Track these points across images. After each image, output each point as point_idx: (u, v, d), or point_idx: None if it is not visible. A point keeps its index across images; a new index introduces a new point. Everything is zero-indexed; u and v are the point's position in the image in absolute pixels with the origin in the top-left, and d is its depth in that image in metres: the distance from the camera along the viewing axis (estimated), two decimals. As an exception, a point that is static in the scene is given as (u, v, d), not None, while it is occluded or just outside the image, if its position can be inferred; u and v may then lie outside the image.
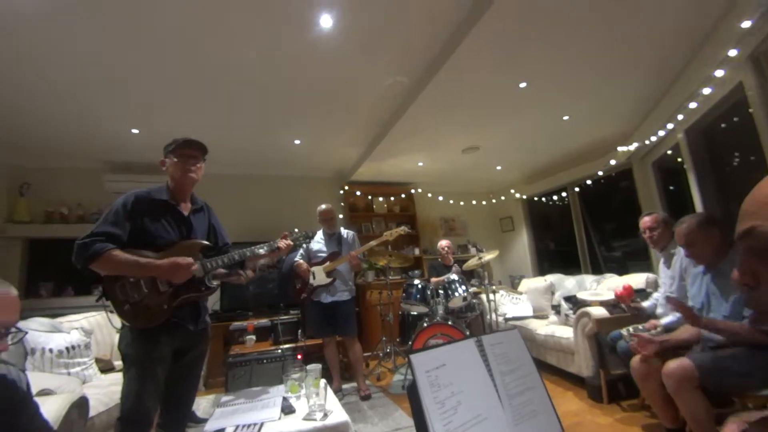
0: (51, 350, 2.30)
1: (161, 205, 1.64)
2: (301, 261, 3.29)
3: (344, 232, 3.43)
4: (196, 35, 2.24)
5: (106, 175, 4.06)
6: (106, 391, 2.24)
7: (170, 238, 1.61)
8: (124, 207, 1.55)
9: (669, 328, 2.17)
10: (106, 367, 2.74)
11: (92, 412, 1.95)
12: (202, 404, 3.13)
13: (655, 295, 2.60)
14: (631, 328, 2.28)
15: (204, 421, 2.67)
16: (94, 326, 2.88)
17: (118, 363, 2.86)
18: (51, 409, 1.52)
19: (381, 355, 4.00)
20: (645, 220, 2.47)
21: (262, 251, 1.83)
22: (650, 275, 3.16)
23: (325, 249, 3.30)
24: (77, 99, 2.85)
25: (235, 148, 4.00)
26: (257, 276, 1.96)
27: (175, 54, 2.39)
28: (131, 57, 2.39)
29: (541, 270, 5.67)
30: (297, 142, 3.97)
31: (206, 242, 1.72)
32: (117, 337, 1.57)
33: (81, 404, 1.76)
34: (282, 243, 1.88)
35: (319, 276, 3.18)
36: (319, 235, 3.40)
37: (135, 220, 1.55)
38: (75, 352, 2.45)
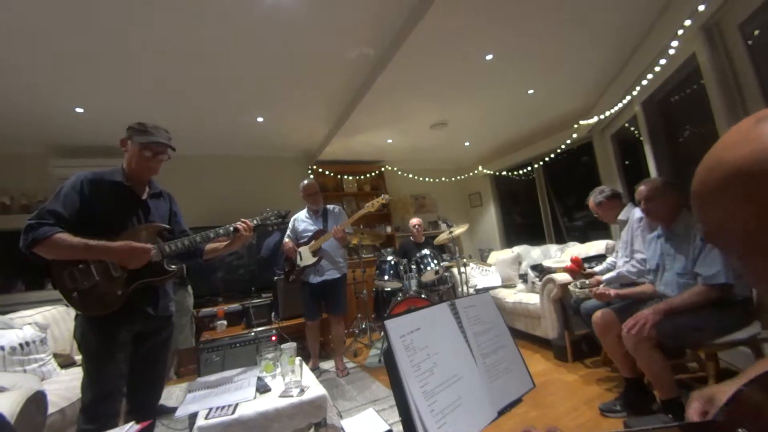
0: (2, 348, 2.20)
1: (115, 186, 1.53)
2: (288, 240, 3.20)
3: (330, 206, 3.34)
4: (148, 8, 2.05)
5: (52, 160, 3.75)
6: (67, 386, 2.15)
7: (126, 222, 1.52)
8: (74, 188, 1.45)
9: (609, 283, 2.37)
10: (66, 362, 2.60)
11: (53, 408, 1.88)
12: (174, 393, 3.05)
13: (609, 259, 2.76)
14: (578, 283, 2.43)
15: (176, 409, 2.60)
16: (49, 321, 2.73)
17: (80, 357, 2.72)
18: (4, 405, 1.44)
19: (357, 332, 4.04)
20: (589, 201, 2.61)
21: (216, 234, 1.72)
22: (609, 241, 3.33)
23: (311, 228, 3.22)
24: (15, 75, 2.56)
25: (192, 127, 3.78)
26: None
27: (125, 28, 2.18)
28: (78, 32, 2.16)
29: (509, 242, 5.86)
30: (260, 119, 3.81)
31: (165, 225, 1.65)
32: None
33: (37, 399, 1.67)
34: (239, 225, 1.76)
35: (305, 256, 3.11)
36: (304, 213, 3.31)
37: (86, 202, 1.45)
38: (30, 349, 2.33)
